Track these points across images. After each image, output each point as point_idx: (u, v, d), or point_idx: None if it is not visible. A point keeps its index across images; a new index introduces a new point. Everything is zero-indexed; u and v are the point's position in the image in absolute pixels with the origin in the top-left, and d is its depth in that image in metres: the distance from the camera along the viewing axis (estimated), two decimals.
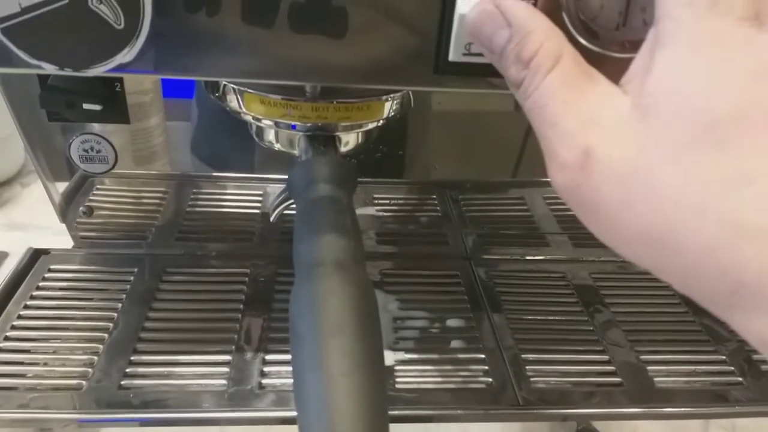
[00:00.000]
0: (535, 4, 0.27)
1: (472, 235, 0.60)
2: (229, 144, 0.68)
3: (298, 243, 0.28)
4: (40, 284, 0.49)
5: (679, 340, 0.49)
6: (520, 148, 0.62)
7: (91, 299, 0.48)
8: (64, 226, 0.55)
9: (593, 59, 0.28)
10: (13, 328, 0.45)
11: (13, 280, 0.49)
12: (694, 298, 0.19)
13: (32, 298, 0.48)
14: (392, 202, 0.64)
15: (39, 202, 0.75)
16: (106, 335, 0.45)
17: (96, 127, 0.47)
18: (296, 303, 0.25)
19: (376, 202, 0.64)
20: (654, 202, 0.19)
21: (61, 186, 0.54)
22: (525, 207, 0.64)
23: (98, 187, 0.59)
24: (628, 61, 0.28)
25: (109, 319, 0.46)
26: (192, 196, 0.62)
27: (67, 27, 0.26)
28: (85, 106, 0.39)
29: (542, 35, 0.23)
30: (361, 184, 0.34)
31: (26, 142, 0.48)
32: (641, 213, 0.19)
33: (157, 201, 0.61)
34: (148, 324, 0.46)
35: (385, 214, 0.62)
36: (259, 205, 0.62)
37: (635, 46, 0.28)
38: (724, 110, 0.18)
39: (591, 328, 0.49)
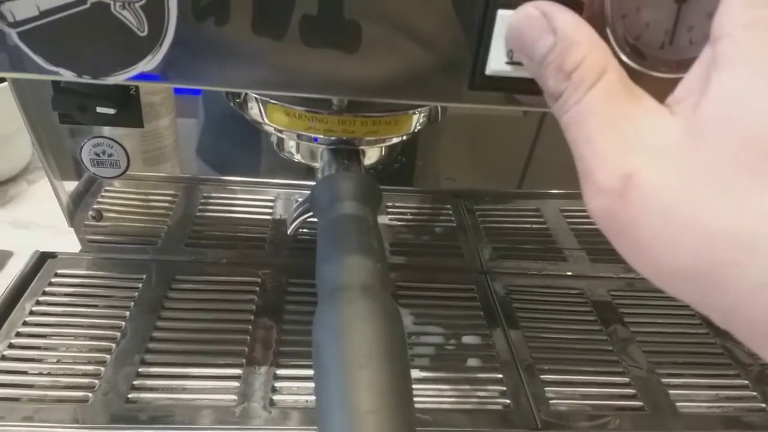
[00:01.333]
0: (579, 15, 0.26)
1: (487, 248, 0.58)
2: (235, 147, 0.67)
3: (321, 264, 0.27)
4: (47, 289, 0.48)
5: (700, 363, 0.47)
6: (527, 156, 0.61)
7: (98, 306, 0.47)
8: (67, 223, 0.53)
9: (636, 79, 0.27)
10: (18, 335, 0.44)
11: (19, 284, 0.48)
12: (735, 334, 0.18)
13: (38, 303, 0.47)
14: (406, 211, 0.62)
15: (45, 199, 0.74)
16: (113, 345, 0.43)
17: (106, 129, 0.46)
18: (320, 330, 0.24)
19: (389, 210, 0.62)
20: (701, 235, 0.18)
21: (69, 185, 0.53)
22: (541, 219, 0.63)
23: (107, 189, 0.58)
24: (673, 81, 0.26)
25: (117, 328, 0.45)
26: (202, 200, 0.61)
27: (87, 33, 0.25)
28: (99, 109, 0.38)
29: (588, 47, 0.22)
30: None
31: (36, 142, 0.47)
32: (687, 247, 0.18)
33: (166, 205, 0.59)
34: (156, 334, 0.45)
35: (398, 223, 0.61)
36: (270, 211, 0.61)
37: (680, 66, 0.27)
38: None
39: (610, 348, 0.48)
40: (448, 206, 0.65)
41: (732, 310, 0.18)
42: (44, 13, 0.25)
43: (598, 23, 0.26)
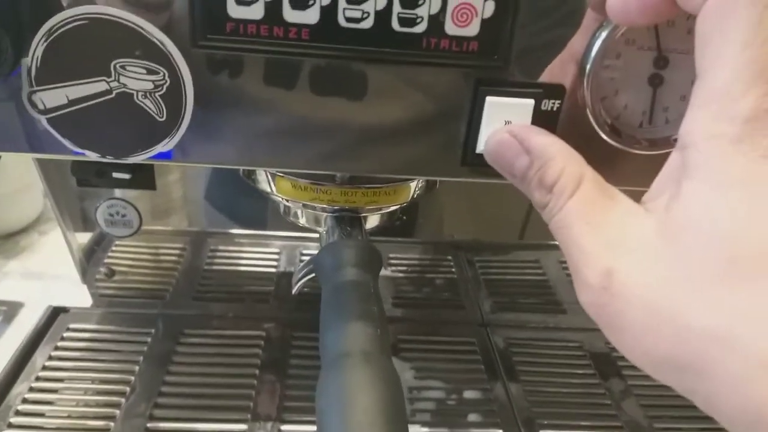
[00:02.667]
0: (561, 102, 0.28)
1: (488, 300, 0.60)
2: (242, 194, 0.69)
3: (324, 331, 0.28)
4: (59, 344, 0.50)
5: (697, 417, 0.48)
6: (527, 208, 0.63)
7: (108, 361, 0.48)
8: (79, 279, 0.55)
9: (616, 156, 0.29)
10: (31, 390, 0.45)
11: (32, 339, 0.49)
12: (714, 417, 0.20)
13: (50, 358, 0.48)
14: (407, 263, 0.64)
15: (56, 250, 0.76)
16: (122, 400, 0.45)
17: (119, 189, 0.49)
18: (323, 397, 0.25)
19: (391, 263, 0.64)
20: (680, 331, 0.19)
21: (81, 237, 0.55)
22: (541, 271, 0.64)
23: (117, 243, 0.60)
24: (650, 158, 0.28)
25: (126, 383, 0.46)
26: (209, 254, 0.63)
27: (112, 118, 0.27)
28: (115, 174, 0.40)
29: (562, 161, 0.24)
30: (376, 243, 0.35)
31: (53, 203, 0.49)
32: (666, 339, 0.20)
33: (174, 258, 0.61)
34: (164, 388, 0.46)
35: (400, 275, 0.63)
36: (275, 263, 0.63)
37: (657, 143, 0.29)
38: (749, 248, 0.18)
39: (609, 402, 0.49)
40: (449, 257, 0.66)
41: (711, 399, 0.19)
42: (72, 102, 0.27)
43: (580, 106, 0.28)
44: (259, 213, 0.67)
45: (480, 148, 0.28)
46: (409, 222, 0.66)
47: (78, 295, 0.56)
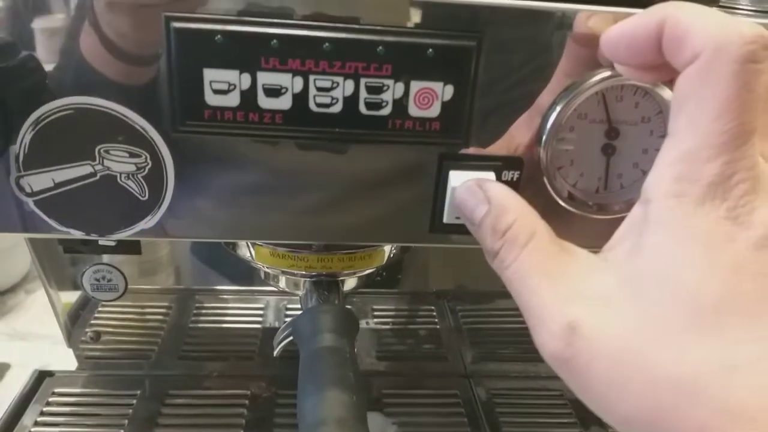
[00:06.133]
0: (521, 172, 0.30)
1: (470, 351, 0.61)
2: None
3: (301, 398, 0.29)
4: (44, 409, 0.50)
5: None
6: None
7: (94, 425, 0.49)
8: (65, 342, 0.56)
9: (572, 221, 0.31)
10: None
11: (19, 404, 0.50)
12: None
13: (37, 424, 0.48)
14: (390, 314, 0.65)
15: (42, 309, 0.76)
16: None
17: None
18: None
19: (374, 314, 0.65)
20: (645, 383, 0.20)
21: (67, 297, 0.55)
22: (520, 319, 0.65)
23: (103, 304, 0.61)
24: (607, 221, 0.30)
25: None
26: (194, 311, 0.64)
27: (96, 199, 0.29)
28: (101, 242, 0.42)
29: (516, 212, 0.25)
30: (359, 295, 0.36)
31: (39, 269, 0.50)
32: (633, 393, 0.20)
33: (160, 318, 0.62)
34: None
35: (383, 327, 0.64)
36: (260, 320, 0.63)
37: (611, 208, 0.31)
38: (710, 302, 0.19)
39: None
40: (432, 307, 0.67)
41: None
42: (58, 185, 0.29)
43: (537, 173, 0.30)
44: (246, 266, 0.68)
45: (446, 217, 0.30)
46: (393, 274, 0.67)
47: (64, 355, 0.57)
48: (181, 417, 0.50)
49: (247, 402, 0.52)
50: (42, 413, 0.49)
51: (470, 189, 0.27)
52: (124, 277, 0.47)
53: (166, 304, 0.64)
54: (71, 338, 0.55)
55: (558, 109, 0.29)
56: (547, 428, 0.52)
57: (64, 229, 0.30)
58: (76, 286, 0.55)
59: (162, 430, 0.49)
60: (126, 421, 0.49)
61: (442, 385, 0.56)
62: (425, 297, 0.68)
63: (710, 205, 0.20)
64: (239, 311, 0.64)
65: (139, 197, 0.29)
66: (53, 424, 0.49)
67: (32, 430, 0.48)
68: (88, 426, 0.49)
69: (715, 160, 0.20)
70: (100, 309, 0.60)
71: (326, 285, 0.37)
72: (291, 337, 0.38)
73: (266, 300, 0.66)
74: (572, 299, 0.22)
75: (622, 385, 0.20)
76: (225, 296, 0.66)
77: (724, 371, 0.19)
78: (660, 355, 0.20)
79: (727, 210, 0.20)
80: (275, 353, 0.39)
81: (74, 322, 0.56)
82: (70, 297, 0.56)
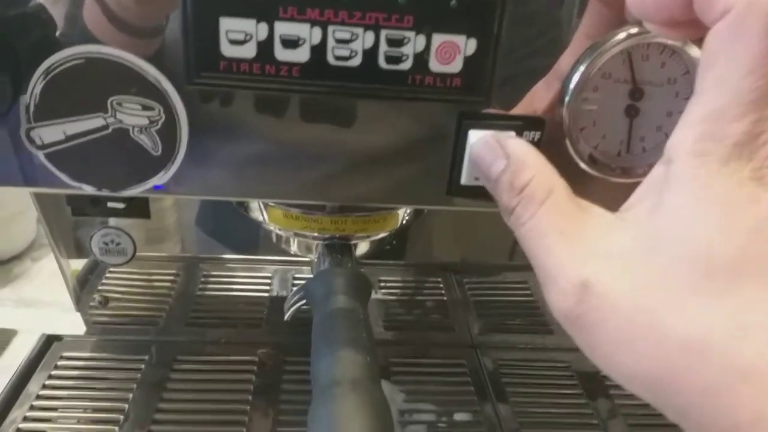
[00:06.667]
0: (542, 133, 0.30)
1: (477, 322, 0.61)
2: (233, 219, 0.69)
3: (315, 360, 0.29)
4: (53, 373, 0.50)
5: None
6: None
7: (102, 389, 0.49)
8: (74, 307, 0.56)
9: (593, 185, 0.31)
10: (25, 419, 0.45)
11: (27, 368, 0.50)
12: (686, 429, 0.20)
13: (45, 387, 0.48)
14: (398, 285, 0.65)
15: (49, 277, 0.76)
16: (116, 428, 0.45)
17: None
18: (314, 425, 0.26)
19: (381, 285, 0.65)
20: (657, 341, 0.20)
21: (75, 264, 0.55)
22: (529, 292, 0.65)
23: (111, 270, 0.61)
24: (626, 185, 0.29)
25: (120, 411, 0.46)
26: (202, 279, 0.63)
27: (108, 153, 0.28)
28: (110, 204, 0.41)
29: (535, 168, 0.25)
30: (367, 266, 0.36)
31: (48, 231, 0.50)
32: (642, 351, 0.20)
33: (168, 284, 0.62)
34: (158, 416, 0.46)
35: (390, 298, 0.63)
36: (267, 288, 0.63)
37: (633, 172, 0.31)
38: (725, 263, 0.19)
39: (596, 421, 0.50)
40: (439, 279, 0.67)
41: (684, 412, 0.19)
42: (70, 137, 0.28)
43: (559, 137, 0.30)
44: (251, 238, 0.68)
45: (464, 178, 0.29)
46: (400, 245, 0.67)
47: (71, 322, 0.57)
48: (189, 382, 0.50)
49: (255, 368, 0.52)
50: (50, 376, 0.49)
51: (488, 144, 0.27)
52: (133, 241, 0.47)
53: (173, 271, 0.64)
54: (80, 303, 0.55)
55: (582, 68, 0.28)
56: (553, 399, 0.52)
57: (75, 183, 0.29)
58: (83, 254, 0.55)
59: (171, 394, 0.49)
60: (135, 385, 0.49)
61: (449, 355, 0.56)
62: (432, 269, 0.68)
63: (735, 165, 0.20)
64: (247, 280, 0.64)
65: (152, 152, 0.28)
66: (61, 387, 0.49)
67: (40, 393, 0.48)
68: (97, 389, 0.49)
69: (743, 119, 0.20)
70: (108, 275, 0.60)
71: (339, 248, 0.37)
72: (303, 301, 0.38)
73: (274, 269, 0.66)
74: (587, 258, 0.22)
75: (631, 344, 0.20)
76: (232, 265, 0.66)
77: (735, 332, 0.18)
78: (671, 315, 0.20)
79: (752, 170, 0.20)
80: (286, 317, 0.39)
81: (83, 287, 0.55)
82: (78, 264, 0.56)
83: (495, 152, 0.26)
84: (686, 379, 0.19)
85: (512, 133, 0.28)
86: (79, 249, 0.54)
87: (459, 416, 0.49)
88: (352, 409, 0.26)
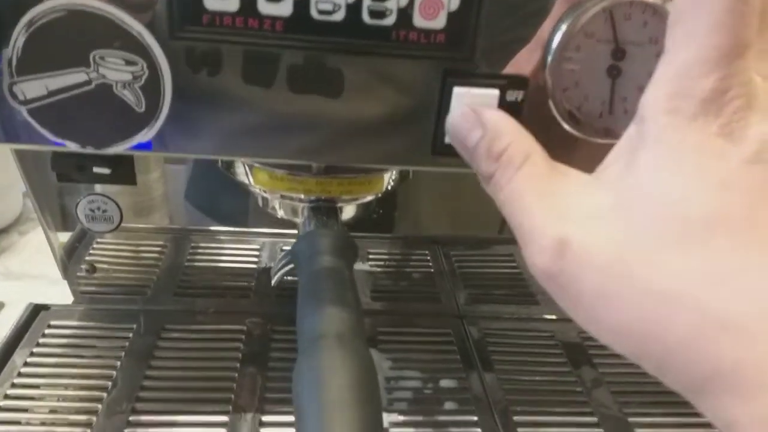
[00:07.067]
0: (525, 92, 0.30)
1: (463, 293, 0.61)
2: (222, 193, 0.70)
3: (301, 316, 0.30)
4: (40, 341, 0.50)
5: (668, 402, 0.49)
6: None
7: (90, 357, 0.49)
8: (60, 275, 0.56)
9: (575, 144, 0.31)
10: (13, 386, 0.45)
11: (13, 337, 0.50)
12: (665, 382, 0.21)
13: (32, 355, 0.48)
14: (385, 257, 0.65)
15: (36, 250, 0.76)
16: (104, 394, 0.45)
17: (99, 185, 0.49)
18: (299, 380, 0.26)
19: (369, 257, 0.65)
20: (634, 294, 0.20)
21: (63, 236, 0.55)
22: (514, 264, 0.66)
23: (98, 240, 0.61)
24: (608, 146, 0.30)
25: (108, 377, 0.47)
26: (190, 250, 0.64)
27: (91, 109, 0.28)
28: (95, 169, 0.41)
29: (511, 135, 0.26)
30: (355, 239, 0.36)
31: (33, 198, 0.50)
32: (621, 304, 0.21)
33: (155, 255, 0.62)
34: (146, 383, 0.47)
35: (378, 269, 0.64)
36: (255, 260, 0.63)
37: (615, 133, 0.31)
38: (698, 216, 0.20)
39: (580, 389, 0.50)
40: (426, 252, 0.68)
41: (663, 360, 0.20)
42: (52, 93, 0.28)
43: (541, 95, 0.30)
44: (241, 212, 0.68)
45: (448, 138, 0.30)
46: (387, 217, 0.67)
47: (59, 294, 0.57)
48: (177, 350, 0.51)
49: (243, 337, 0.52)
50: (38, 344, 0.49)
51: (465, 114, 0.27)
52: (119, 208, 0.47)
53: (161, 242, 0.64)
54: (67, 272, 0.55)
55: (564, 26, 0.28)
56: (538, 367, 0.52)
57: (59, 140, 0.29)
58: (70, 225, 0.55)
59: (159, 362, 0.49)
60: (123, 353, 0.49)
61: (435, 324, 0.56)
62: (419, 241, 0.69)
63: (703, 121, 0.20)
64: (235, 251, 0.64)
65: (136, 108, 0.28)
66: (49, 355, 0.49)
67: (27, 361, 0.48)
68: (85, 357, 0.49)
69: (709, 76, 0.20)
70: (95, 245, 0.60)
71: (325, 211, 0.37)
72: (290, 266, 0.38)
73: (262, 241, 0.66)
74: (564, 216, 0.23)
75: (609, 298, 0.21)
76: (221, 237, 0.66)
77: (710, 282, 0.19)
78: (648, 268, 0.20)
79: (720, 126, 0.20)
80: (273, 282, 0.39)
81: (70, 256, 0.55)
82: (65, 237, 0.56)
83: (471, 122, 0.27)
84: (665, 330, 0.20)
85: (496, 93, 0.29)
86: (65, 220, 0.54)
87: (445, 383, 0.49)
88: (336, 363, 0.26)
